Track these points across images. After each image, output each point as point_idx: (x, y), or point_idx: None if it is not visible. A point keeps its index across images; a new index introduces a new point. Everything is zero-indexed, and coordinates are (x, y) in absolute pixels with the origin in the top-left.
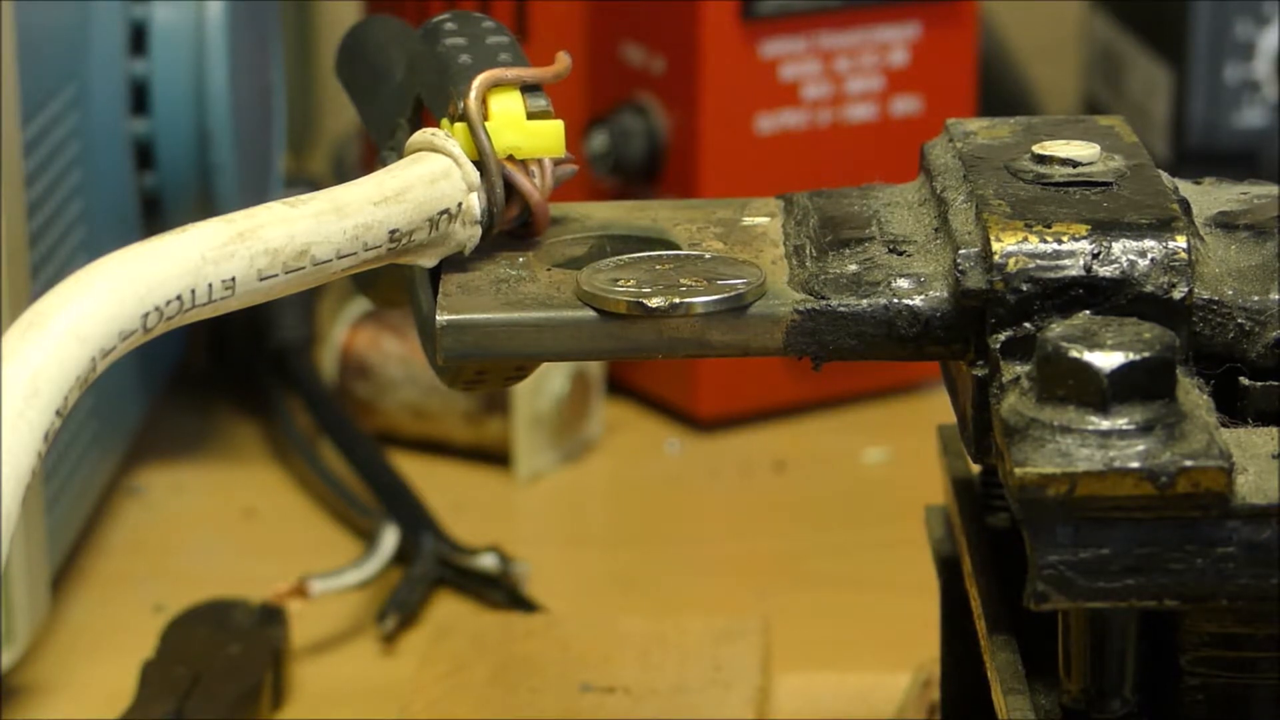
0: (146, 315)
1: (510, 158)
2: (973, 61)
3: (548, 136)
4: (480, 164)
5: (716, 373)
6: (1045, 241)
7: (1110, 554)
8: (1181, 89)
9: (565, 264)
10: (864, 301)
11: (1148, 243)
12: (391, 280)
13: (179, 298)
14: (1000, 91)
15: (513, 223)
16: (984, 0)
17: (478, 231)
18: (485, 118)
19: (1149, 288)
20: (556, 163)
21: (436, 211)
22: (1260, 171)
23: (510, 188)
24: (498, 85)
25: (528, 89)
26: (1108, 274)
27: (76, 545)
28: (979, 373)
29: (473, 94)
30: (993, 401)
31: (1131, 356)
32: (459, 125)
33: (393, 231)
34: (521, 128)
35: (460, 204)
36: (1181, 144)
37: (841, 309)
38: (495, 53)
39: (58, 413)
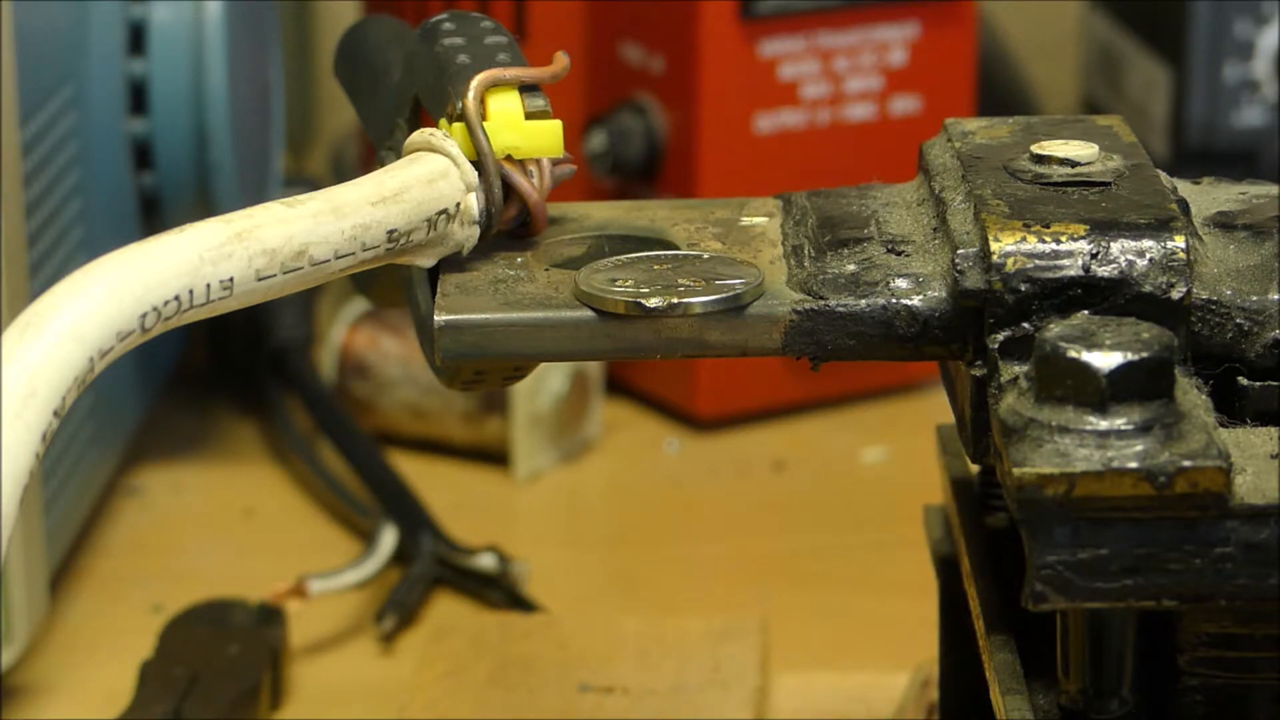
0: (144, 316)
1: (508, 158)
2: (971, 61)
3: (546, 136)
4: (478, 164)
5: (715, 373)
6: (1044, 241)
7: (1108, 554)
8: (1181, 88)
9: (563, 264)
10: (862, 301)
11: (1146, 243)
12: (390, 280)
13: (177, 298)
14: (999, 91)
15: (511, 223)
16: (983, 0)
17: (476, 231)
18: (483, 118)
19: (1147, 288)
20: (555, 163)
21: (435, 212)
22: (1259, 171)
23: (508, 188)
24: (496, 85)
25: (526, 89)
26: (1106, 274)
27: (75, 545)
28: (977, 373)
29: (470, 94)
30: (991, 401)
31: (1130, 356)
32: (457, 125)
33: (391, 232)
34: (519, 128)
35: (458, 204)
36: (1180, 143)
37: (840, 309)
38: (493, 53)
39: (55, 413)
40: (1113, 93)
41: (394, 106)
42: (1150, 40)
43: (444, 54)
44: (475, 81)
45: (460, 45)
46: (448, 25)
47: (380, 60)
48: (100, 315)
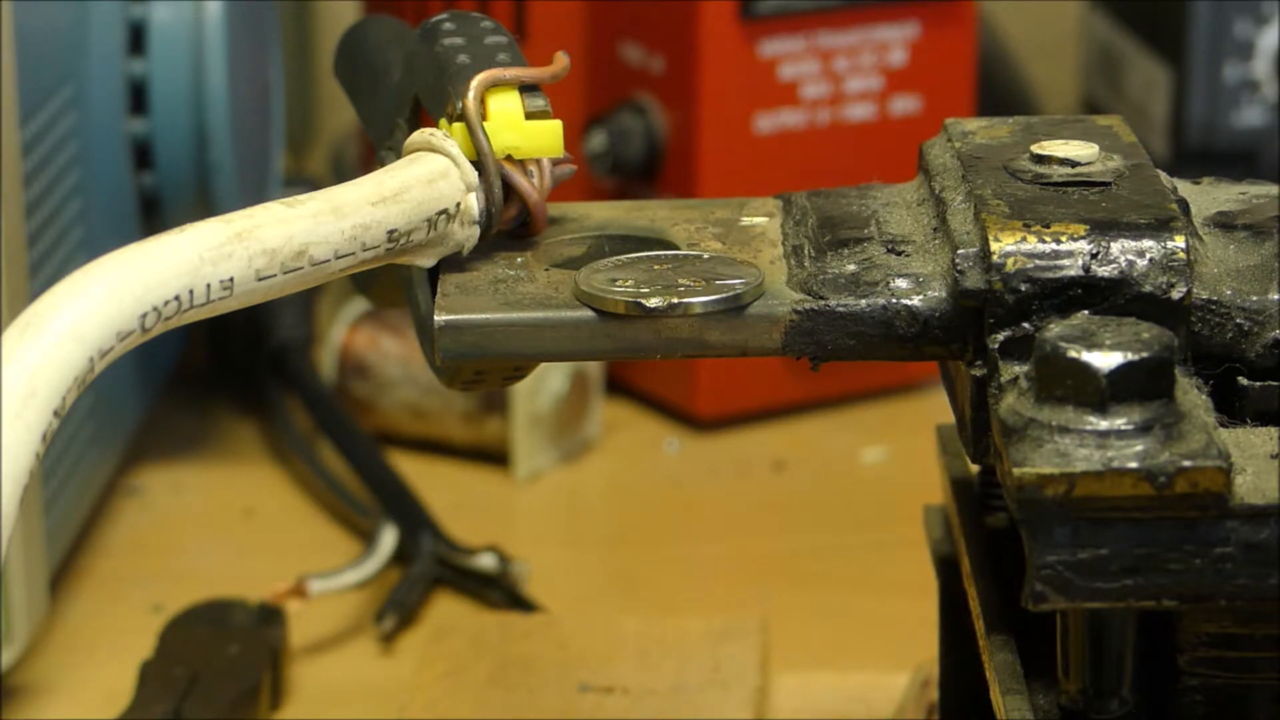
0: (144, 316)
1: (509, 158)
2: (971, 61)
3: (546, 136)
4: (478, 164)
5: (715, 373)
6: (1044, 241)
7: (1108, 554)
8: (1181, 88)
9: (563, 264)
10: (862, 301)
11: (1146, 243)
12: (390, 280)
13: (177, 298)
14: (999, 91)
15: (511, 223)
16: (982, 0)
17: (476, 232)
18: (484, 118)
19: (1147, 288)
20: (555, 163)
21: (435, 211)
22: (1259, 171)
23: (509, 188)
24: (496, 85)
25: (526, 89)
26: (1106, 274)
27: (75, 545)
28: (977, 373)
29: (470, 94)
30: (991, 401)
31: (1130, 356)
32: (457, 125)
33: (391, 232)
34: (520, 128)
35: (458, 204)
36: (1180, 143)
37: (840, 309)
38: (493, 53)
39: (55, 413)
40: (1112, 93)
41: (394, 106)
42: (1150, 40)
43: (444, 54)
44: (475, 81)
45: (460, 45)
46: (448, 25)
47: (380, 60)
48: (100, 315)
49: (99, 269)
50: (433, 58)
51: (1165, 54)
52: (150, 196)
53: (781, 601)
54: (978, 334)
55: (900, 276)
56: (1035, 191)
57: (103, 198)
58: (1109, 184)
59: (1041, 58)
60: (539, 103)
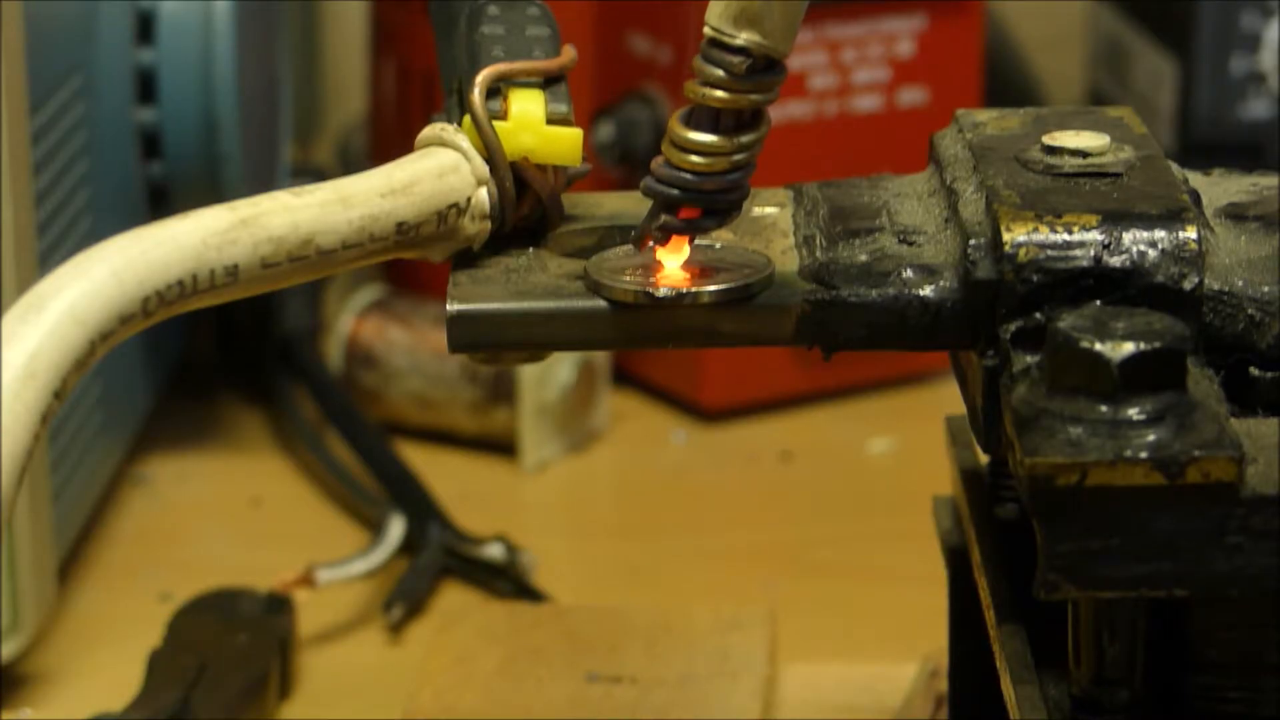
0: (147, 299)
1: (525, 159)
2: (978, 53)
3: (565, 144)
4: (489, 160)
5: (722, 363)
6: (1055, 232)
7: (1120, 544)
8: (1187, 80)
9: (574, 254)
10: (874, 292)
11: (1158, 233)
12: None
13: (180, 283)
14: (1005, 83)
15: (527, 219)
16: None
17: (487, 227)
18: (504, 115)
19: (1159, 278)
20: None
21: (445, 205)
22: (1265, 163)
23: (523, 183)
24: (501, 78)
25: (552, 90)
26: (1118, 264)
27: (83, 534)
28: (989, 363)
29: (476, 90)
30: (1003, 392)
31: (1142, 346)
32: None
33: (400, 224)
34: (539, 132)
35: (469, 199)
36: (1187, 136)
37: (852, 299)
38: (530, 46)
39: (56, 395)
40: (1119, 85)
41: (454, 69)
42: (1157, 32)
43: (479, 42)
44: (480, 77)
45: (498, 35)
46: (492, 10)
47: (452, 14)
48: (101, 298)
49: (102, 251)
50: (470, 44)
51: (1172, 46)
52: (158, 186)
53: (789, 592)
54: (989, 324)
55: (912, 267)
56: (1047, 182)
57: (111, 187)
58: (1120, 175)
59: (1048, 50)
60: (561, 108)
